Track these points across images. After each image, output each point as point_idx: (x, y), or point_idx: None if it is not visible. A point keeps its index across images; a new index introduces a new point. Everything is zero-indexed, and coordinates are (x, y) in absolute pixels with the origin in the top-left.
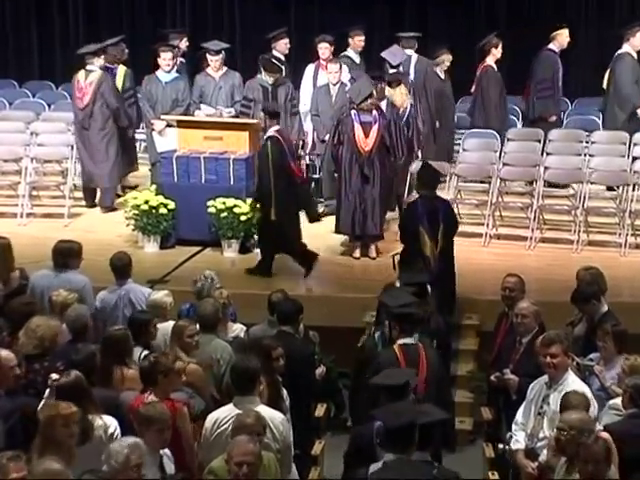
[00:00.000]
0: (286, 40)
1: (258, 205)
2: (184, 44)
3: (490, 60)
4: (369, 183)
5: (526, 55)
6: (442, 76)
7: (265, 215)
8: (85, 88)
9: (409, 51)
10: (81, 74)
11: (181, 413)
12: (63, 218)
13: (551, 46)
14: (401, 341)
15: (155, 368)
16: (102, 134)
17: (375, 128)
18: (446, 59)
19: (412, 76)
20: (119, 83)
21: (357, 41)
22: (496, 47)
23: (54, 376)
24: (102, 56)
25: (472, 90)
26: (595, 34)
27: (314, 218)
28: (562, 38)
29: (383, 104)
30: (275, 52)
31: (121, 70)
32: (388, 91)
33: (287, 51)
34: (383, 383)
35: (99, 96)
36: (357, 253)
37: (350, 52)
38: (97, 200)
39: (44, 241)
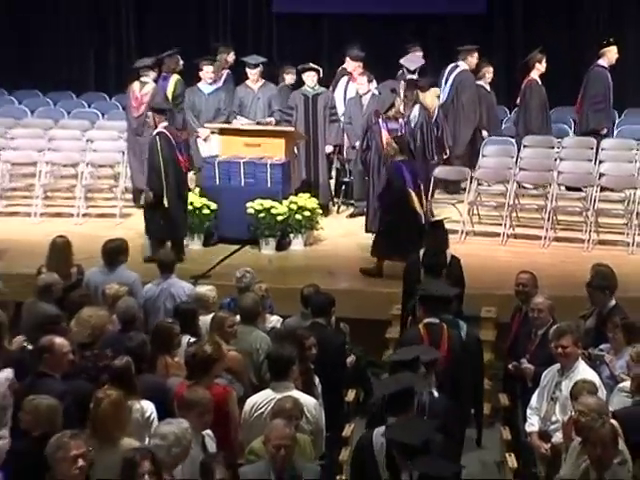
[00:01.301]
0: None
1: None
2: (231, 57)
3: (534, 74)
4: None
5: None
6: (488, 88)
7: (157, 203)
8: (141, 99)
9: (461, 63)
10: (136, 85)
11: (231, 397)
12: (115, 218)
13: (601, 62)
14: (426, 321)
15: (202, 357)
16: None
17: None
18: (487, 72)
19: (448, 84)
20: (171, 90)
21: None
22: (540, 62)
23: None
24: (155, 69)
25: (517, 101)
26: None
27: None
28: (611, 54)
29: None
30: (463, 63)
31: (174, 78)
32: (420, 95)
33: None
34: (394, 359)
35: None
36: None
37: None
38: None
39: (97, 239)
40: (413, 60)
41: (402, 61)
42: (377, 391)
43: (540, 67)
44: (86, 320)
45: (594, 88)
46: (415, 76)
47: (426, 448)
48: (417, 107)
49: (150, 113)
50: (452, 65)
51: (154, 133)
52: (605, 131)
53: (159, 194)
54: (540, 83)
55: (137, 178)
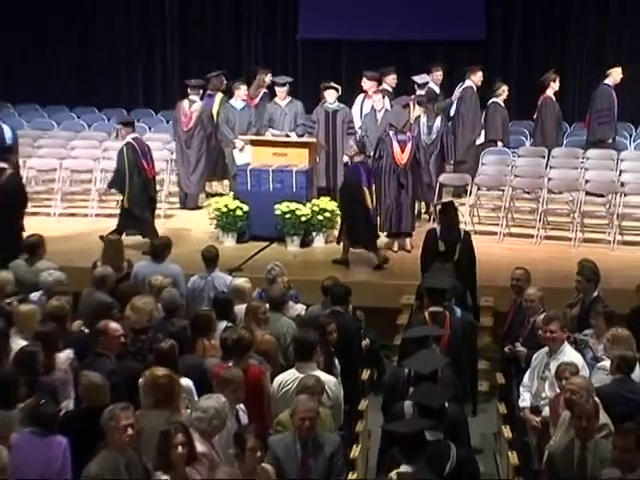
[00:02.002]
0: (394, 75)
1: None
2: (268, 78)
3: (549, 92)
4: (404, 189)
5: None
6: (502, 104)
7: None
8: (190, 115)
9: (467, 81)
10: (185, 103)
11: (265, 376)
12: (160, 219)
13: (607, 81)
14: (430, 309)
15: (237, 341)
16: (198, 153)
17: (409, 146)
18: (503, 90)
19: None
20: (216, 107)
21: (392, 79)
22: (554, 81)
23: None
24: (201, 88)
25: (534, 116)
26: None
27: None
28: (616, 75)
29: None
30: (385, 85)
31: (219, 96)
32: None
33: (394, 84)
34: (407, 336)
35: (200, 122)
36: (395, 247)
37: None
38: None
39: (144, 240)
40: (422, 76)
41: (414, 77)
42: (397, 374)
43: (554, 85)
44: (141, 308)
45: (600, 104)
46: (423, 91)
47: (442, 410)
48: (439, 118)
49: (119, 125)
50: (461, 83)
51: (123, 143)
52: (610, 141)
53: (122, 195)
54: (554, 100)
55: (184, 183)
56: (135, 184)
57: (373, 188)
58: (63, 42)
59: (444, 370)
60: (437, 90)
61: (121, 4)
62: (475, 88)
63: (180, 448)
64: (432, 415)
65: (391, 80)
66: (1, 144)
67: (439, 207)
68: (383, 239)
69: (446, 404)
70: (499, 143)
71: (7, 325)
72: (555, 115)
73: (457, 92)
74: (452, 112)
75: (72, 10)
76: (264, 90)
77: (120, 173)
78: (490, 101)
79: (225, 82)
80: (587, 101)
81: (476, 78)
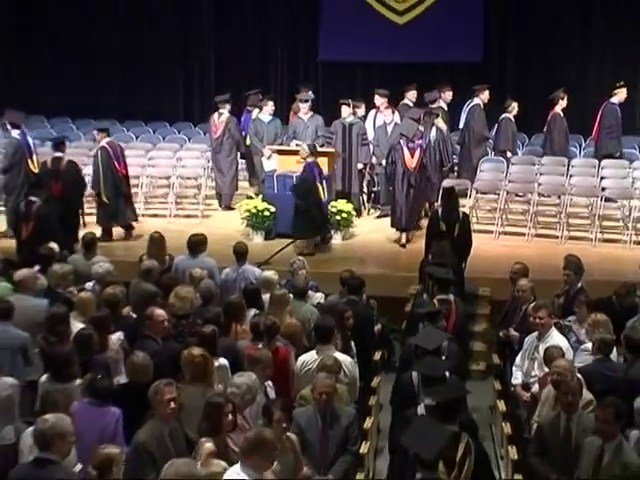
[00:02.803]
0: (414, 91)
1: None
2: (310, 94)
3: (558, 108)
4: (414, 190)
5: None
6: (512, 119)
7: (100, 198)
8: (218, 125)
9: (475, 98)
10: (215, 115)
11: (291, 356)
12: (198, 218)
13: (613, 100)
14: (438, 297)
15: (268, 326)
16: (229, 158)
17: (418, 152)
18: (512, 107)
19: (465, 114)
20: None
21: (412, 94)
22: (562, 99)
23: None
24: (230, 102)
25: (544, 130)
26: None
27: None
28: (622, 94)
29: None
30: (406, 99)
31: (255, 112)
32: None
33: (414, 99)
34: (421, 312)
35: (227, 131)
36: (403, 239)
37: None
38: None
39: (184, 234)
40: (431, 93)
41: (425, 95)
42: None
43: (562, 103)
44: (184, 296)
45: (609, 121)
46: (434, 105)
47: (443, 378)
48: (434, 129)
49: (95, 131)
50: (470, 100)
51: (98, 147)
52: (618, 154)
53: (98, 193)
54: (562, 115)
55: (218, 185)
56: (109, 182)
57: (324, 183)
58: (111, 60)
59: (450, 345)
60: (445, 108)
61: (164, 36)
62: (482, 105)
63: (230, 416)
64: (434, 383)
65: (412, 95)
66: (28, 148)
67: (441, 192)
68: (395, 234)
69: (447, 374)
70: (508, 153)
71: (68, 310)
72: (563, 129)
73: (466, 108)
74: (462, 126)
75: (123, 33)
76: (301, 103)
77: (96, 173)
78: (502, 116)
79: (261, 99)
80: (574, 116)
81: (484, 96)
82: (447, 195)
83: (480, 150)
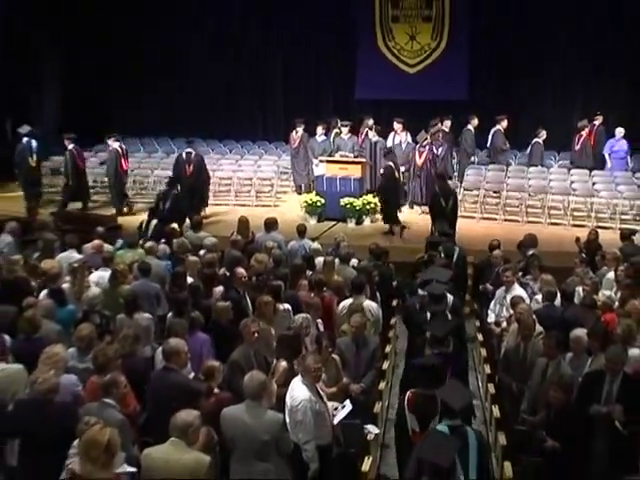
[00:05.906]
0: (449, 121)
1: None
2: (370, 122)
3: (584, 133)
4: (420, 179)
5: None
6: (542, 143)
7: (66, 185)
8: (296, 139)
9: (469, 125)
10: (294, 132)
11: (334, 302)
12: (271, 207)
13: (596, 122)
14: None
15: (317, 281)
16: (304, 160)
17: (425, 153)
18: (541, 134)
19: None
20: (331, 139)
21: (448, 123)
22: (586, 126)
23: None
24: (304, 124)
25: (577, 148)
26: None
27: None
28: (599, 119)
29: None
30: (444, 126)
31: (333, 133)
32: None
33: (449, 125)
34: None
35: (301, 143)
36: (419, 211)
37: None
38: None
39: (262, 218)
40: (434, 121)
41: (430, 121)
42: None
43: (586, 129)
44: (261, 260)
45: (601, 140)
46: (434, 129)
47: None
48: (442, 147)
49: (67, 140)
50: (493, 128)
51: (67, 150)
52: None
53: (66, 179)
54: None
55: (297, 179)
56: (72, 173)
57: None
58: (214, 92)
59: (454, 301)
60: (447, 130)
61: (246, 74)
62: (502, 130)
63: (307, 343)
64: (439, 342)
65: (447, 123)
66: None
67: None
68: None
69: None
70: (539, 166)
71: (184, 269)
72: (590, 148)
73: (491, 132)
74: (489, 144)
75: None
76: (367, 128)
77: (65, 167)
78: (534, 140)
79: (338, 121)
80: (556, 139)
81: (504, 123)
82: (442, 178)
83: (468, 162)
